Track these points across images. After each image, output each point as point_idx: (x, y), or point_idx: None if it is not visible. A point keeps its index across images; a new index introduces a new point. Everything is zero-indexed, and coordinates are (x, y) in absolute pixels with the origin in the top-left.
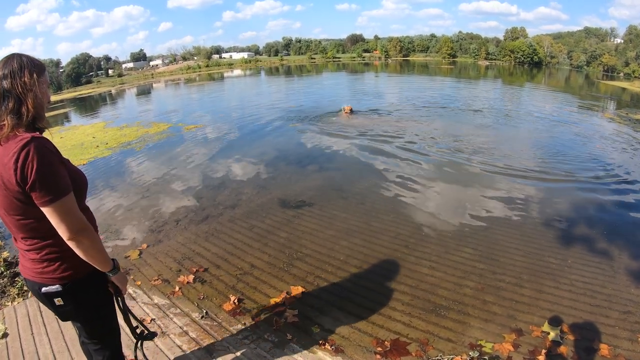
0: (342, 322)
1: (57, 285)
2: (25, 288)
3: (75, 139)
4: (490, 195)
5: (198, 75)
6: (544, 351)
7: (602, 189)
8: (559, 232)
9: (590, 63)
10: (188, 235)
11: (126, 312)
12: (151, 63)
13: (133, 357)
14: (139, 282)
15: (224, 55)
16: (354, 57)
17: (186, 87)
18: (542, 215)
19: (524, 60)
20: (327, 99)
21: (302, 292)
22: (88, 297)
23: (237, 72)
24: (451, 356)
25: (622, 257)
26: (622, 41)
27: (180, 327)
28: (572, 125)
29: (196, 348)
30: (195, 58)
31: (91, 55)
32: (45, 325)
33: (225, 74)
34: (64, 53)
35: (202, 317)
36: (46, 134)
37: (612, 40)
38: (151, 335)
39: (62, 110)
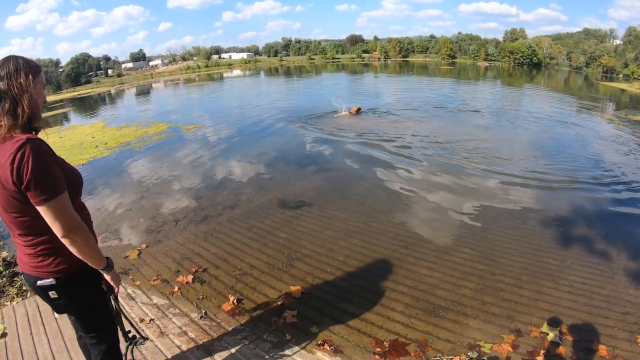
0: (341, 322)
1: (51, 279)
2: (24, 288)
3: (74, 138)
4: (489, 197)
5: (197, 76)
6: (542, 352)
7: (600, 190)
8: (557, 233)
9: (589, 64)
10: (187, 236)
11: (119, 313)
12: (151, 63)
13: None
14: (138, 282)
15: (223, 55)
16: (354, 58)
17: (185, 88)
18: (541, 217)
19: (523, 61)
20: (327, 100)
21: (301, 293)
22: (81, 291)
23: (237, 72)
24: (450, 357)
25: (621, 258)
26: (622, 42)
27: (179, 327)
28: (571, 126)
29: (195, 348)
30: (195, 58)
31: (91, 55)
32: (44, 325)
33: (225, 75)
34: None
35: (201, 317)
36: (42, 134)
37: (611, 41)
38: (142, 341)
39: (61, 110)
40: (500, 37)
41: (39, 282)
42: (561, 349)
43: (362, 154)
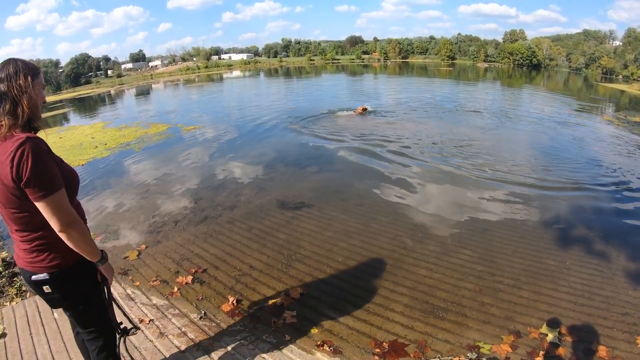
0: (340, 323)
1: (45, 274)
2: (23, 288)
3: (74, 139)
4: (489, 198)
5: (197, 76)
6: (541, 353)
7: (599, 192)
8: (557, 234)
9: (589, 65)
10: (187, 236)
11: (111, 303)
12: (150, 64)
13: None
14: (138, 283)
15: (223, 56)
16: (353, 59)
17: (185, 88)
18: (540, 218)
19: (522, 62)
20: (326, 101)
21: (301, 293)
22: (75, 286)
23: (236, 73)
24: (449, 357)
25: (620, 259)
26: (621, 44)
27: (178, 328)
28: (571, 128)
29: (194, 349)
30: (195, 59)
31: (90, 56)
32: (43, 326)
33: (225, 75)
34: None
35: (201, 317)
36: (41, 134)
37: (610, 42)
38: (134, 330)
39: (61, 111)
40: (499, 39)
41: (33, 277)
42: (560, 350)
43: (362, 155)
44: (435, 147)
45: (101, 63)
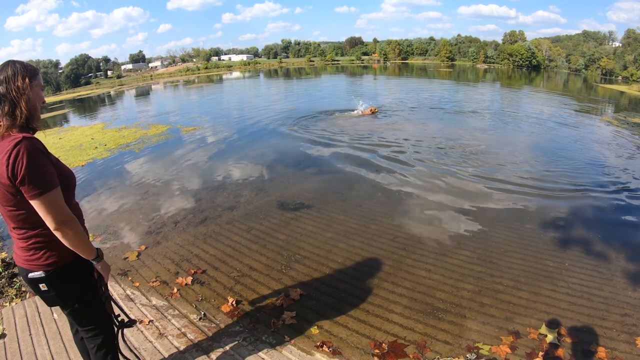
0: (340, 324)
1: (41, 272)
2: (23, 289)
3: (74, 140)
4: (488, 199)
5: (197, 77)
6: (541, 353)
7: (599, 193)
8: (556, 235)
9: (588, 66)
10: (186, 237)
11: (108, 299)
12: (150, 65)
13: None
14: (137, 284)
15: (223, 57)
16: (353, 60)
17: (185, 89)
18: (539, 219)
19: (522, 63)
20: (326, 102)
21: (300, 294)
22: (71, 285)
23: (236, 74)
24: (449, 358)
25: (619, 260)
26: (621, 45)
27: (178, 329)
28: (571, 129)
29: (194, 349)
30: (194, 60)
31: (90, 57)
32: (43, 326)
33: (224, 76)
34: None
35: (200, 318)
36: (40, 135)
37: (610, 43)
38: (131, 323)
39: (61, 111)
40: (499, 40)
41: (30, 275)
42: (560, 351)
43: (361, 156)
44: (435, 148)
45: (101, 64)
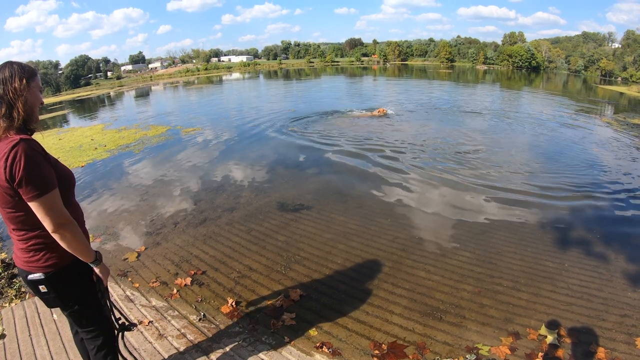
0: (339, 325)
1: (41, 274)
2: (23, 289)
3: (73, 140)
4: (488, 200)
5: (197, 78)
6: (540, 354)
7: (598, 194)
8: (555, 236)
9: (588, 67)
10: (186, 238)
11: (107, 303)
12: (150, 66)
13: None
14: (137, 285)
15: (222, 58)
16: (353, 61)
17: (185, 90)
18: (538, 220)
19: (522, 64)
20: (326, 103)
21: (300, 295)
22: (70, 286)
23: (236, 75)
24: (448, 359)
25: (619, 261)
26: (620, 46)
27: (177, 329)
28: (570, 130)
29: (194, 350)
30: (194, 61)
31: (90, 57)
32: (42, 327)
33: (224, 77)
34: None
35: (200, 319)
36: (38, 136)
37: (609, 45)
38: (131, 326)
39: (60, 112)
40: (499, 41)
41: (29, 277)
42: (559, 352)
43: (361, 157)
44: (434, 150)
45: (101, 65)
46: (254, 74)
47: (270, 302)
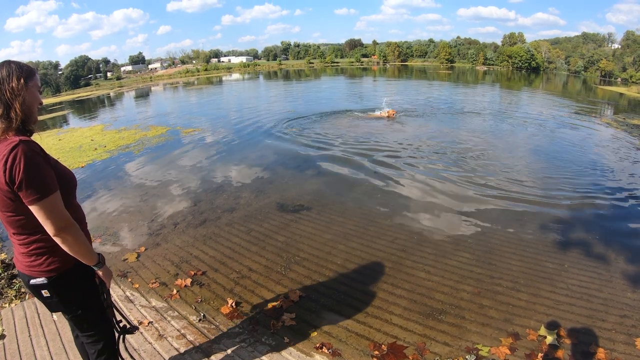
0: (339, 325)
1: (43, 278)
2: (23, 290)
3: (73, 141)
4: (487, 201)
5: (196, 79)
6: (540, 355)
7: (598, 195)
8: (555, 237)
9: (587, 68)
10: (186, 239)
11: (110, 306)
12: (150, 66)
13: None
14: (137, 285)
15: (222, 59)
16: (353, 62)
17: (184, 91)
18: (538, 221)
19: (521, 65)
20: (326, 103)
21: (300, 296)
22: (73, 290)
23: (236, 76)
24: (448, 359)
25: (618, 262)
26: (620, 46)
27: (177, 330)
28: (570, 130)
29: (194, 351)
30: (194, 62)
31: (90, 58)
32: (42, 327)
33: (224, 78)
34: (63, 55)
35: (200, 320)
36: (37, 137)
37: (609, 45)
38: (133, 329)
39: (60, 113)
40: (498, 42)
41: (31, 281)
42: (559, 352)
43: (361, 158)
44: (435, 151)
45: (101, 65)
46: (253, 75)
47: (270, 302)
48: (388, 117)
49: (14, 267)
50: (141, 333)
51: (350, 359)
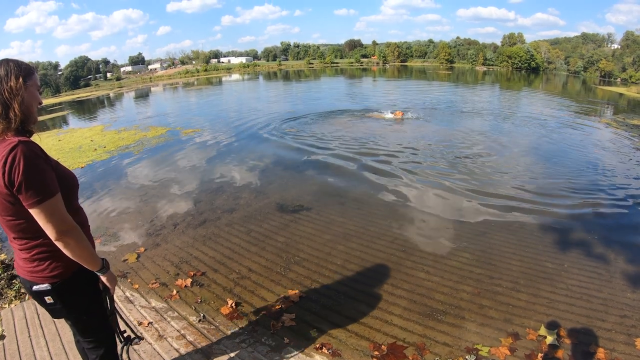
0: (339, 325)
1: (47, 284)
2: (22, 290)
3: (73, 142)
4: (487, 201)
5: (196, 80)
6: (540, 355)
7: (597, 195)
8: (555, 237)
9: (587, 68)
10: (186, 239)
11: (114, 313)
12: (150, 67)
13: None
14: (137, 286)
15: (222, 59)
16: (352, 62)
17: (184, 91)
18: (538, 221)
19: (521, 65)
20: (325, 104)
21: (300, 296)
22: (77, 296)
23: (236, 76)
24: None
25: (618, 261)
26: (619, 47)
27: (177, 331)
28: (570, 131)
29: (193, 351)
30: (194, 62)
31: (90, 59)
32: (42, 328)
33: (224, 79)
34: (63, 55)
35: (200, 320)
36: (36, 138)
37: (609, 45)
38: (137, 340)
39: (60, 113)
40: (498, 42)
41: (34, 287)
42: (559, 352)
43: (361, 158)
44: (435, 150)
45: (100, 66)
46: (253, 76)
47: (269, 303)
48: (396, 118)
49: (13, 267)
50: (141, 333)
51: (350, 359)
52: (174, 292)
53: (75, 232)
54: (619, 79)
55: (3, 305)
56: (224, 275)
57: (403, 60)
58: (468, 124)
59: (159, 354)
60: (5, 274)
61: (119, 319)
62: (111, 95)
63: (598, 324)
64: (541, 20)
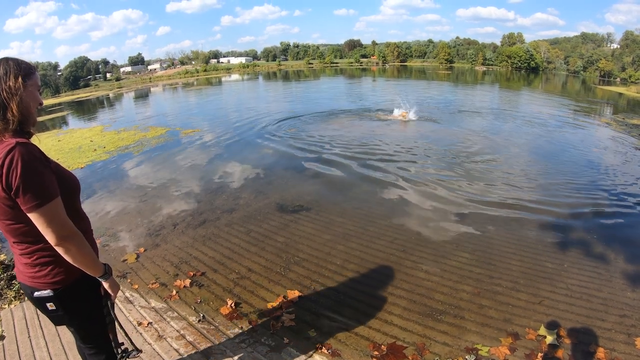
0: (339, 326)
1: (49, 290)
2: (22, 291)
3: (73, 142)
4: (487, 201)
5: (196, 80)
6: (540, 355)
7: (597, 194)
8: (554, 237)
9: (587, 68)
10: (185, 239)
11: (112, 322)
12: (149, 67)
13: None
14: (136, 286)
15: (222, 59)
16: (352, 62)
17: (184, 92)
18: (538, 221)
19: (521, 65)
20: (325, 104)
21: (299, 296)
22: (80, 302)
23: (235, 76)
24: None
25: (618, 261)
26: (619, 46)
27: (177, 331)
28: (569, 130)
29: (193, 351)
30: (193, 62)
31: (89, 59)
32: (42, 328)
33: (223, 79)
34: (63, 56)
35: (199, 320)
36: (35, 139)
37: (608, 45)
38: (135, 353)
39: (60, 114)
40: (498, 42)
41: (36, 294)
42: (559, 352)
43: (361, 158)
44: (435, 150)
45: (100, 66)
46: (253, 76)
47: (269, 303)
48: (402, 119)
49: (13, 267)
50: (140, 334)
51: (349, 359)
52: (174, 292)
53: (76, 238)
54: (618, 79)
55: (3, 306)
56: (224, 275)
57: (402, 60)
58: (467, 124)
59: (158, 354)
60: (5, 274)
61: (118, 329)
62: (111, 95)
63: (598, 323)
64: (541, 20)
